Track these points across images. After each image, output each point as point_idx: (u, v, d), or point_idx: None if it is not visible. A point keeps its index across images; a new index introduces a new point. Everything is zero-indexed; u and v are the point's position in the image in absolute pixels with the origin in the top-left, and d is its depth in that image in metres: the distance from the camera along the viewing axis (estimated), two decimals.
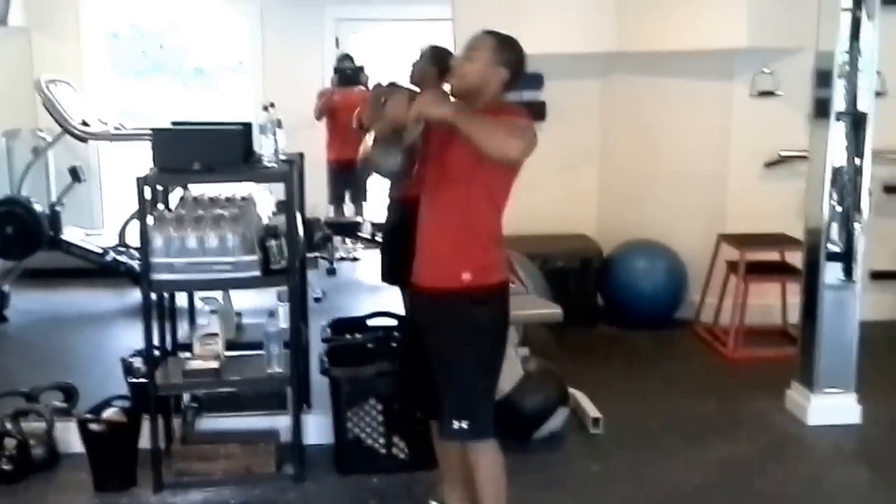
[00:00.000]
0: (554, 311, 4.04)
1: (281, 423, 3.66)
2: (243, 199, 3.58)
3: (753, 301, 4.96)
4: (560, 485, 3.41)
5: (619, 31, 5.42)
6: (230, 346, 3.48)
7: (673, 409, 4.13)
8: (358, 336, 3.81)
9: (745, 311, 4.92)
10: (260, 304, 3.98)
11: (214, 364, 3.36)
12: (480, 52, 2.55)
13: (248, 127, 3.41)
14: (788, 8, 4.92)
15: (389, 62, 6.56)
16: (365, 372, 3.44)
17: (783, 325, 5.24)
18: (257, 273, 3.27)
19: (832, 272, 3.87)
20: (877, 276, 5.34)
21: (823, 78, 3.89)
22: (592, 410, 3.90)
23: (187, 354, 3.46)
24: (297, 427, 3.41)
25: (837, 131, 3.82)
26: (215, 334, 3.45)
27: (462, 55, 2.62)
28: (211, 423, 3.67)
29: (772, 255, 5.09)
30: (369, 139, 2.68)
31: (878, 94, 5.19)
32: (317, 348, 3.70)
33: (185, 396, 3.68)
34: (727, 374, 4.64)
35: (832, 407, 3.91)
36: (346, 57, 7.15)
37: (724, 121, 5.35)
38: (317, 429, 3.66)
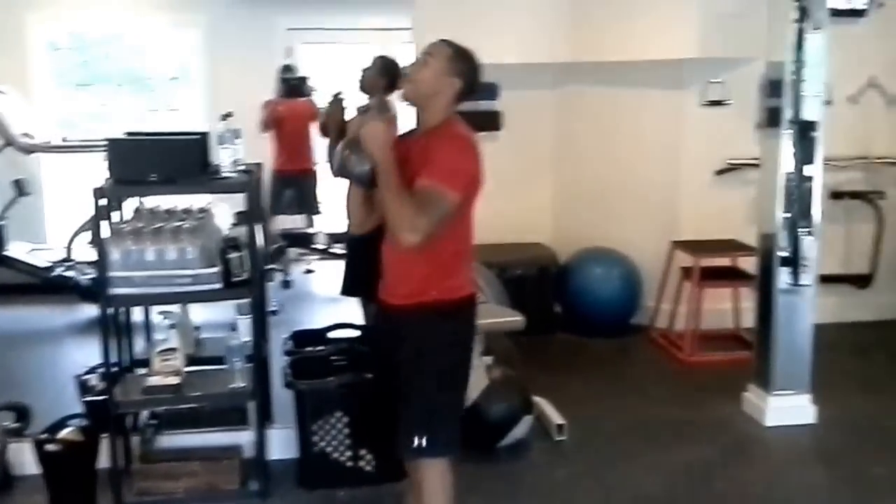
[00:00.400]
0: (516, 318, 4.06)
1: (243, 438, 3.63)
2: (201, 210, 3.54)
3: (707, 306, 5.04)
4: (528, 493, 3.43)
5: (573, 41, 5.49)
6: (190, 360, 3.43)
7: (634, 414, 4.19)
8: (321, 348, 3.78)
9: (700, 317, 5.02)
10: (217, 317, 3.95)
11: (175, 380, 3.30)
12: (435, 60, 2.52)
13: (204, 137, 3.37)
14: (738, 19, 5.03)
15: (341, 72, 6.54)
16: (330, 384, 3.42)
17: (735, 329, 5.35)
18: (219, 286, 3.23)
19: (785, 277, 3.96)
20: (824, 279, 5.47)
21: (773, 87, 3.99)
22: (556, 417, 3.93)
23: (145, 370, 3.39)
24: (260, 442, 3.37)
25: (787, 140, 3.92)
26: (174, 349, 3.39)
27: (416, 61, 2.59)
28: (171, 440, 3.60)
29: (723, 261, 5.20)
30: (341, 145, 2.66)
31: (826, 103, 5.42)
32: (277, 361, 3.67)
33: (143, 414, 3.61)
34: (685, 378, 4.72)
35: (788, 408, 4.00)
36: (289, 68, 7.08)
37: (676, 130, 5.45)
38: (280, 443, 3.62)
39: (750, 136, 5.41)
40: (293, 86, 6.94)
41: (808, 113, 3.90)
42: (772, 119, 4.00)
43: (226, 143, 3.37)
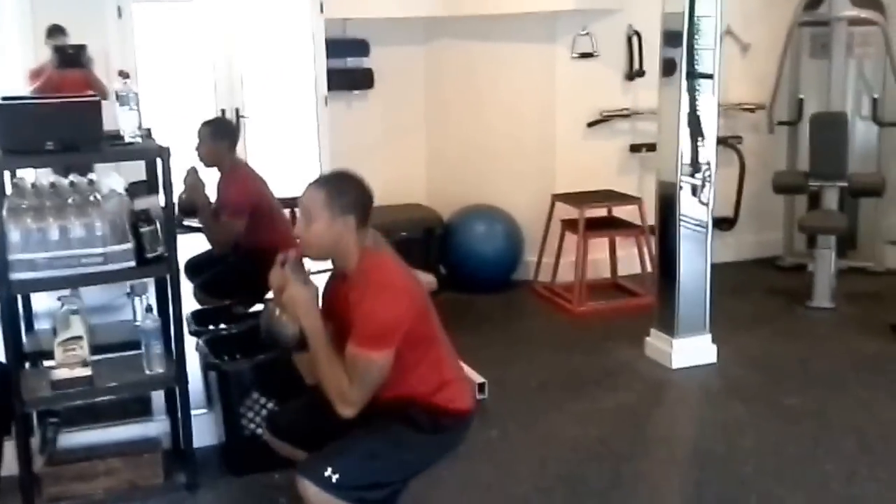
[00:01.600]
0: (430, 280, 4.01)
1: (152, 429, 3.42)
2: (90, 182, 3.23)
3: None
4: (469, 456, 3.38)
5: None
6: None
7: (544, 367, 4.26)
8: (231, 326, 3.59)
9: (585, 267, 5.17)
10: (96, 300, 3.64)
11: (85, 371, 3.01)
12: (316, 210, 2.31)
13: (96, 100, 3.07)
14: None
15: (181, 38, 6.12)
16: (258, 362, 3.24)
17: (613, 277, 5.57)
18: (132, 263, 2.97)
19: (688, 221, 4.14)
20: None
21: (670, 38, 4.12)
22: (475, 376, 3.93)
23: (50, 363, 3.08)
24: (187, 430, 3.15)
25: (686, 89, 4.06)
26: (79, 337, 3.09)
27: (300, 223, 2.37)
28: (74, 438, 3.29)
29: (602, 212, 5.37)
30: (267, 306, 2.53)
31: None
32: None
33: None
34: (579, 328, 4.85)
35: (692, 350, 4.21)
36: (59, 29, 6.12)
37: (549, 83, 5.54)
38: (197, 430, 3.40)
39: (619, 87, 5.68)
40: (70, 55, 6.14)
41: (704, 64, 4.06)
42: (668, 69, 4.14)
43: (128, 105, 3.08)
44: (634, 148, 5.69)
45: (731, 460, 3.29)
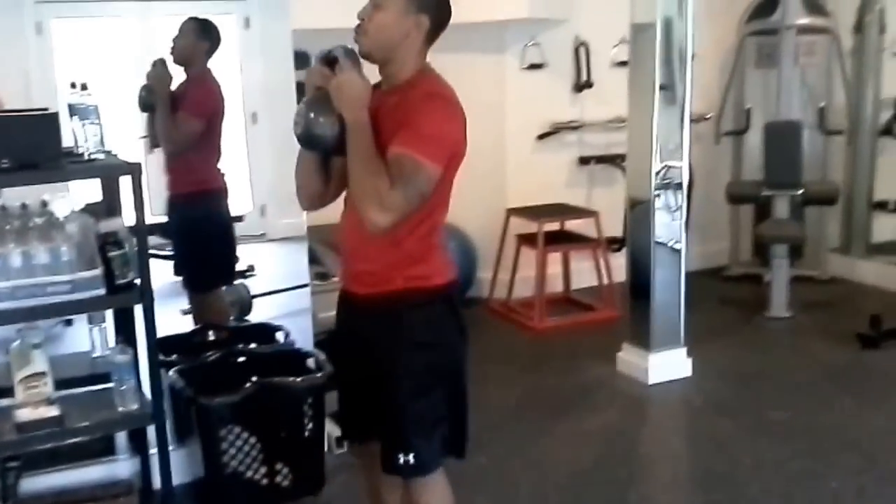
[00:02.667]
0: None
1: (121, 469, 3.16)
2: (43, 204, 2.95)
3: (531, 272, 5.09)
4: (461, 486, 3.24)
5: None
6: None
7: (518, 387, 4.15)
8: (196, 356, 3.35)
9: (545, 283, 5.09)
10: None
11: (53, 411, 2.73)
12: None
13: (55, 113, 2.80)
14: None
15: (105, 54, 5.79)
16: (242, 395, 3.01)
17: (566, 292, 5.52)
18: (102, 291, 2.70)
19: (662, 234, 4.10)
20: None
21: (640, 50, 4.09)
22: None
23: (7, 402, 2.79)
24: (165, 470, 2.88)
25: (656, 102, 4.02)
26: (43, 373, 2.81)
27: (368, 6, 2.12)
28: (39, 482, 3.01)
29: (556, 226, 5.31)
30: (302, 105, 2.19)
31: (625, 63, 5.70)
32: None
33: None
34: (544, 345, 4.76)
35: (668, 364, 4.17)
36: None
37: (499, 95, 5.45)
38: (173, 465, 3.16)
39: (567, 98, 5.65)
40: None
41: (675, 76, 4.03)
42: (638, 82, 4.10)
43: (86, 119, 2.82)
44: (583, 160, 5.66)
45: (735, 480, 3.23)
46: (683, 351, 4.22)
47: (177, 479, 3.11)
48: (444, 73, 2.22)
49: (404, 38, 2.12)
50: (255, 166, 4.27)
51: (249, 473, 3.06)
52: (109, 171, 2.78)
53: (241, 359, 3.32)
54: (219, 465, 3.01)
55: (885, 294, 5.44)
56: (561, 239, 5.25)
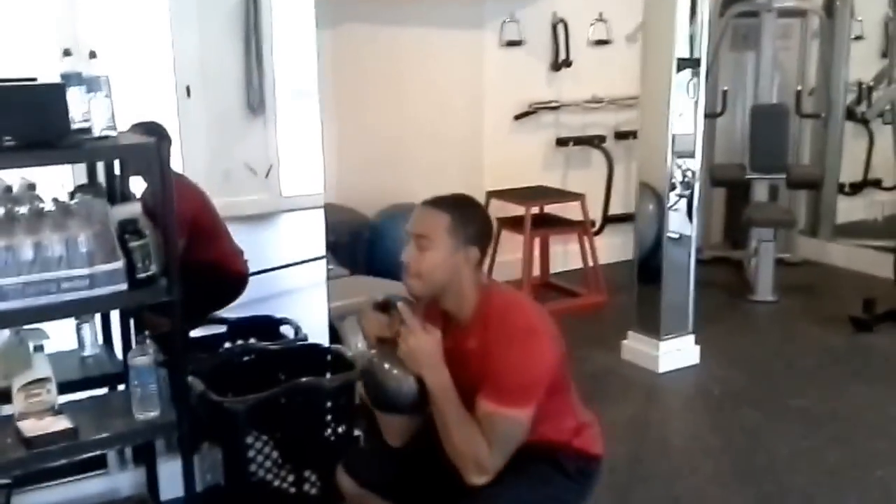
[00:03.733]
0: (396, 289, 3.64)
1: (122, 481, 2.86)
2: (30, 187, 2.60)
3: (509, 256, 4.92)
4: None
5: None
6: None
7: None
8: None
9: (531, 266, 4.94)
10: None
11: (64, 422, 2.42)
12: (436, 237, 1.96)
13: (62, 84, 2.45)
14: None
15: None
16: (271, 397, 2.73)
17: (543, 277, 5.37)
18: (123, 286, 2.39)
19: (673, 219, 3.98)
20: (611, 220, 5.68)
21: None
22: None
23: (6, 411, 2.46)
24: (189, 481, 2.58)
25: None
26: (46, 379, 2.49)
27: (410, 250, 2.01)
28: (33, 499, 2.68)
29: (536, 209, 5.15)
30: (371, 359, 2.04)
31: (602, 42, 5.59)
32: None
33: None
34: None
35: (677, 351, 4.07)
36: None
37: (477, 72, 5.25)
38: (172, 478, 2.86)
39: (545, 77, 5.49)
40: None
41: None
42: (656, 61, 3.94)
43: (97, 92, 2.48)
44: (561, 142, 5.51)
45: (777, 472, 3.13)
46: (692, 338, 4.13)
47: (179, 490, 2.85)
48: (422, 48, 2.00)
49: (456, 274, 1.99)
50: (188, 141, 3.65)
51: (277, 482, 2.80)
52: (132, 150, 2.46)
53: (252, 356, 3.04)
54: (244, 474, 2.74)
55: (856, 275, 5.49)
56: (544, 222, 5.09)
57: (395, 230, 5.03)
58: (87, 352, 2.97)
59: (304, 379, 2.81)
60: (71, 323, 2.87)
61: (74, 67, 2.49)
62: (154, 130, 2.96)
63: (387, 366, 1.98)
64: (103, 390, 2.83)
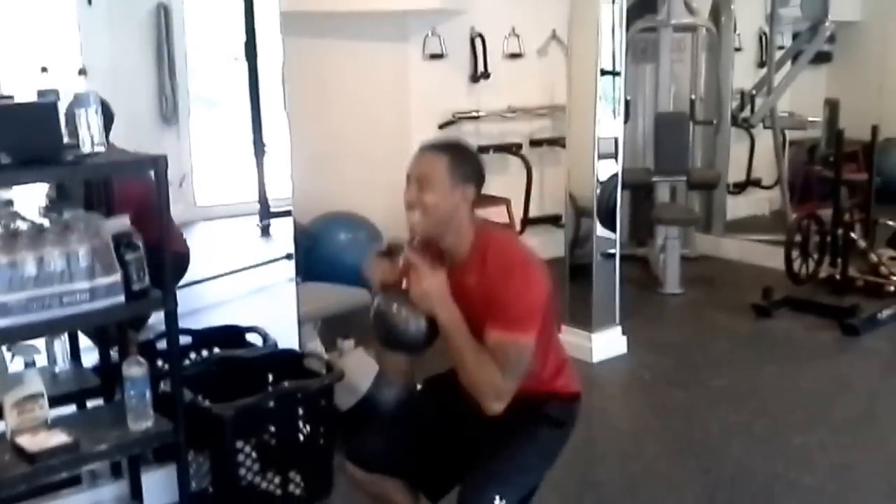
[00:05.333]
0: (365, 294, 3.70)
1: (104, 494, 2.83)
2: (7, 203, 2.57)
3: None
4: None
5: None
6: None
7: None
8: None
9: None
10: None
11: (63, 436, 2.39)
12: (436, 178, 2.08)
13: (55, 102, 2.43)
14: None
15: None
16: (261, 401, 2.77)
17: None
18: (121, 299, 2.40)
19: (601, 221, 4.19)
20: (530, 222, 5.87)
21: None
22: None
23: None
24: (184, 488, 2.59)
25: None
26: (39, 395, 2.46)
27: (412, 191, 2.12)
28: None
29: None
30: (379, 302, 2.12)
31: (515, 55, 5.78)
32: None
33: None
34: None
35: (607, 342, 4.28)
36: None
37: (403, 84, 5.35)
38: (157, 485, 2.86)
39: (465, 88, 5.64)
40: None
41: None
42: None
43: (87, 109, 2.47)
44: (482, 150, 5.64)
45: (714, 445, 3.36)
46: (619, 329, 4.34)
47: (165, 497, 2.84)
48: (350, 62, 2.12)
49: (456, 211, 2.11)
50: None
51: (264, 484, 2.83)
52: (136, 166, 2.46)
53: (225, 363, 3.05)
54: (234, 478, 2.76)
55: (747, 267, 5.85)
56: None
57: (331, 238, 5.09)
58: (59, 367, 2.92)
59: (287, 383, 2.85)
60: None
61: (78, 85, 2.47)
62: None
63: (395, 307, 2.06)
64: (72, 407, 2.80)
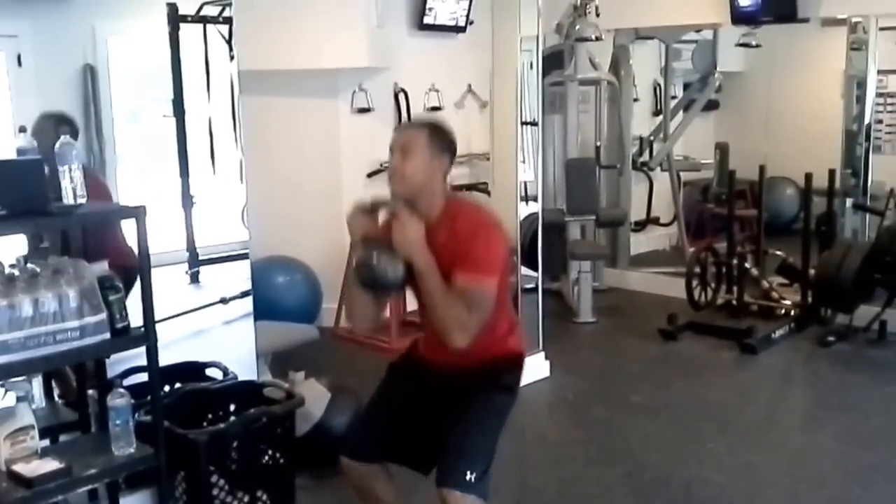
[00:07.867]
0: (310, 330, 3.95)
1: None
2: None
3: None
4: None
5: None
6: None
7: None
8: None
9: (400, 305, 5.32)
10: None
11: (55, 463, 2.55)
12: (418, 146, 2.39)
13: (41, 159, 2.62)
14: (381, 31, 5.47)
15: None
16: (232, 427, 2.96)
17: (401, 314, 5.76)
18: (107, 336, 2.59)
19: (525, 258, 4.54)
20: None
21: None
22: None
23: None
24: None
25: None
26: (30, 426, 2.61)
27: (397, 158, 2.41)
28: None
29: None
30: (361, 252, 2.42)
31: (435, 108, 6.14)
32: None
33: None
34: None
35: (533, 367, 4.59)
36: None
37: (334, 136, 5.63)
38: None
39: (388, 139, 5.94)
40: None
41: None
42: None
43: (67, 163, 2.67)
44: None
45: (635, 453, 3.71)
46: (542, 355, 4.66)
47: None
48: (284, 117, 2.41)
49: (432, 178, 2.43)
50: None
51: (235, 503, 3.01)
52: (116, 215, 2.66)
53: (194, 395, 3.22)
54: (208, 499, 2.93)
55: (651, 297, 6.29)
56: None
57: (269, 281, 5.28)
58: (35, 404, 3.05)
59: (254, 409, 3.05)
60: None
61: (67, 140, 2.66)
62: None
63: (376, 255, 2.35)
64: (46, 442, 2.93)
